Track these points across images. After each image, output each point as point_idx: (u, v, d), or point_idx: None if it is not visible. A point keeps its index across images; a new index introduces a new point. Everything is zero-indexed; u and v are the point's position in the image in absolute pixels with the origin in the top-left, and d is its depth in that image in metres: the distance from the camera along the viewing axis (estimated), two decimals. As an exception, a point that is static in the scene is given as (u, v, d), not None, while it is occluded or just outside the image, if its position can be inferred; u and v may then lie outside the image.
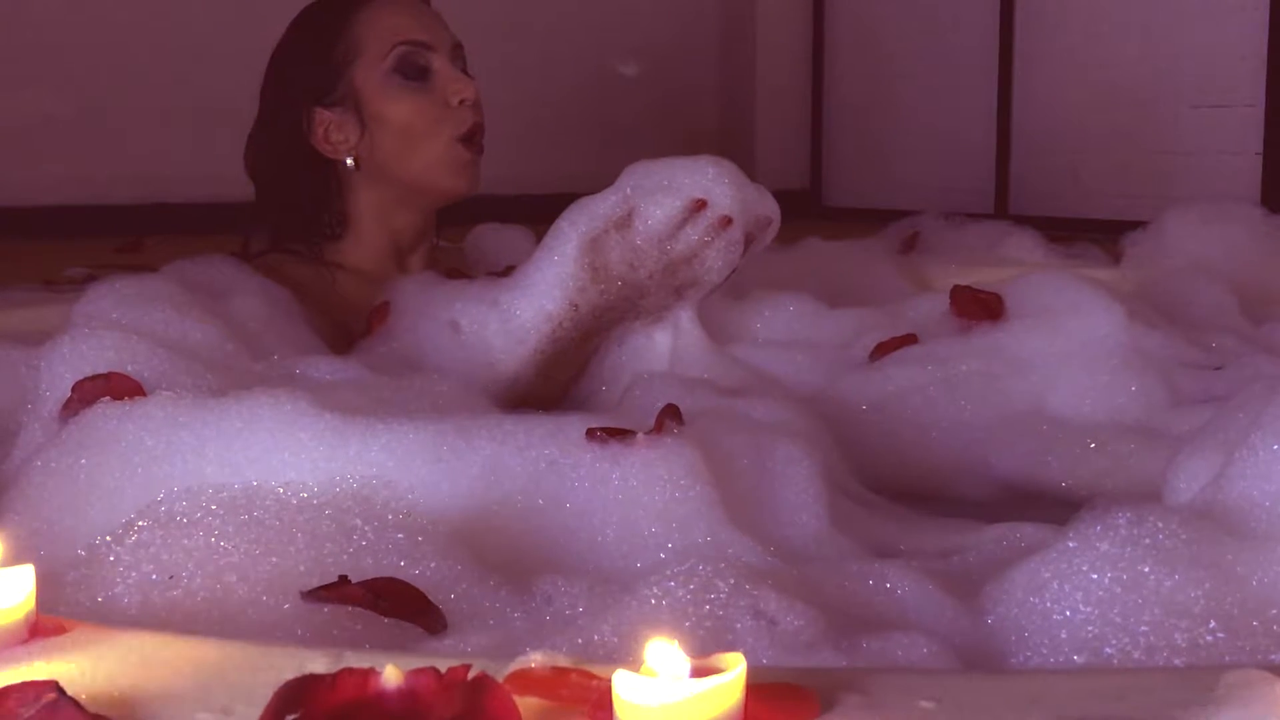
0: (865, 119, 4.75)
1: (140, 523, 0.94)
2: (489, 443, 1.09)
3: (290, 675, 0.64)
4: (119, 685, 0.68)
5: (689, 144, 1.70)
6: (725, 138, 4.77)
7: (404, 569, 0.92)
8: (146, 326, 1.36)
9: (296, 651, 0.72)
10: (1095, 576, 0.82)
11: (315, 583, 0.88)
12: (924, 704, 0.65)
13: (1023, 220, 3.02)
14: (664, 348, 1.58)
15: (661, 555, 1.02)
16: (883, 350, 1.64)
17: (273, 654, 0.72)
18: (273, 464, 1.05)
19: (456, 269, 1.82)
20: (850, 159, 4.83)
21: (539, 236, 1.59)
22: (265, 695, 0.63)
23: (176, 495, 0.97)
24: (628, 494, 1.05)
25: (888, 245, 2.53)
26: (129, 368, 1.23)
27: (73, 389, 1.19)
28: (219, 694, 0.67)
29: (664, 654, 0.61)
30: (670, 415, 1.12)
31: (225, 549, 0.91)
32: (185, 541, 0.92)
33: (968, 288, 1.70)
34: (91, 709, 0.64)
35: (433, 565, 0.94)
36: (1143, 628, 0.79)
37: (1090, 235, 2.80)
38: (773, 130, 4.83)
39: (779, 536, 1.10)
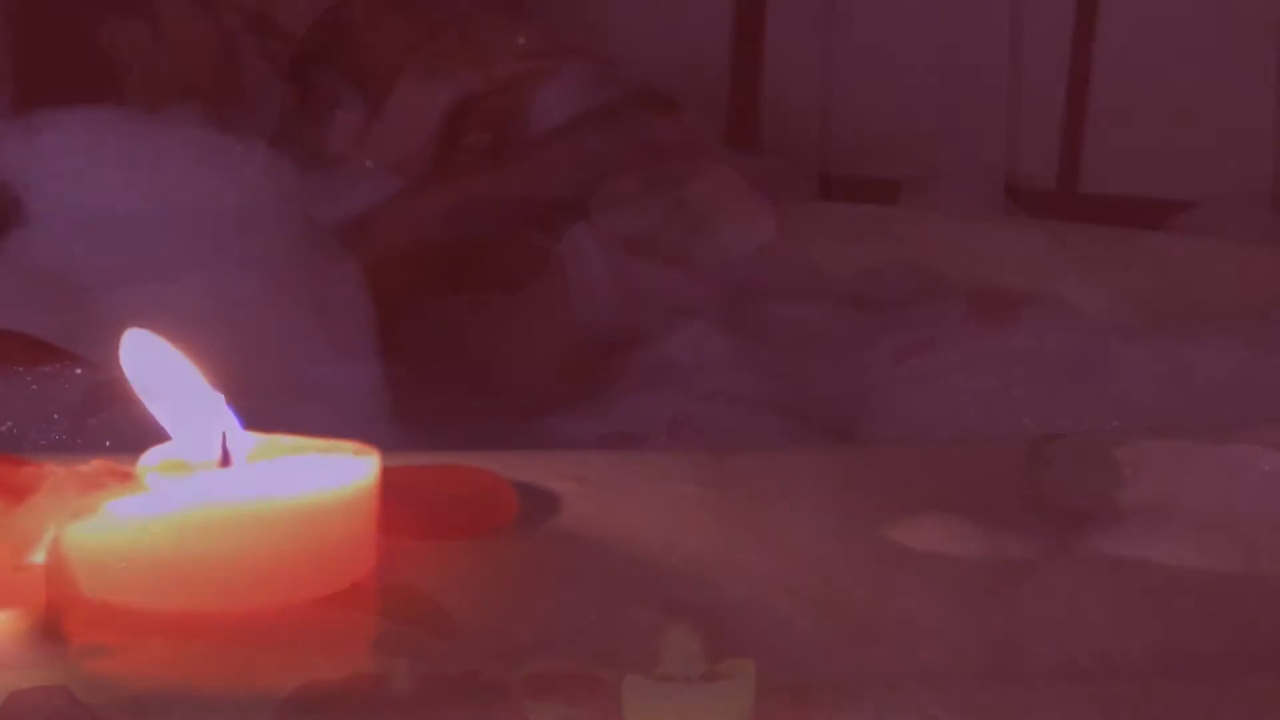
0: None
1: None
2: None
3: (303, 682, 0.64)
4: (132, 691, 0.68)
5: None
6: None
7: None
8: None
9: (308, 658, 0.72)
10: (1107, 585, 0.82)
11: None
12: (935, 712, 0.65)
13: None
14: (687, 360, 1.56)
15: (671, 559, 1.02)
16: (903, 354, 1.63)
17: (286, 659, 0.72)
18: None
19: None
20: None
21: None
22: (283, 701, 0.63)
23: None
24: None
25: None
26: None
27: None
28: (236, 700, 0.67)
29: (673, 658, 0.61)
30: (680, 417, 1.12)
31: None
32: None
33: (986, 290, 1.69)
34: (103, 716, 0.64)
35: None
36: (1155, 636, 0.79)
37: (1098, 235, 2.78)
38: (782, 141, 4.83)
39: (794, 543, 1.09)
